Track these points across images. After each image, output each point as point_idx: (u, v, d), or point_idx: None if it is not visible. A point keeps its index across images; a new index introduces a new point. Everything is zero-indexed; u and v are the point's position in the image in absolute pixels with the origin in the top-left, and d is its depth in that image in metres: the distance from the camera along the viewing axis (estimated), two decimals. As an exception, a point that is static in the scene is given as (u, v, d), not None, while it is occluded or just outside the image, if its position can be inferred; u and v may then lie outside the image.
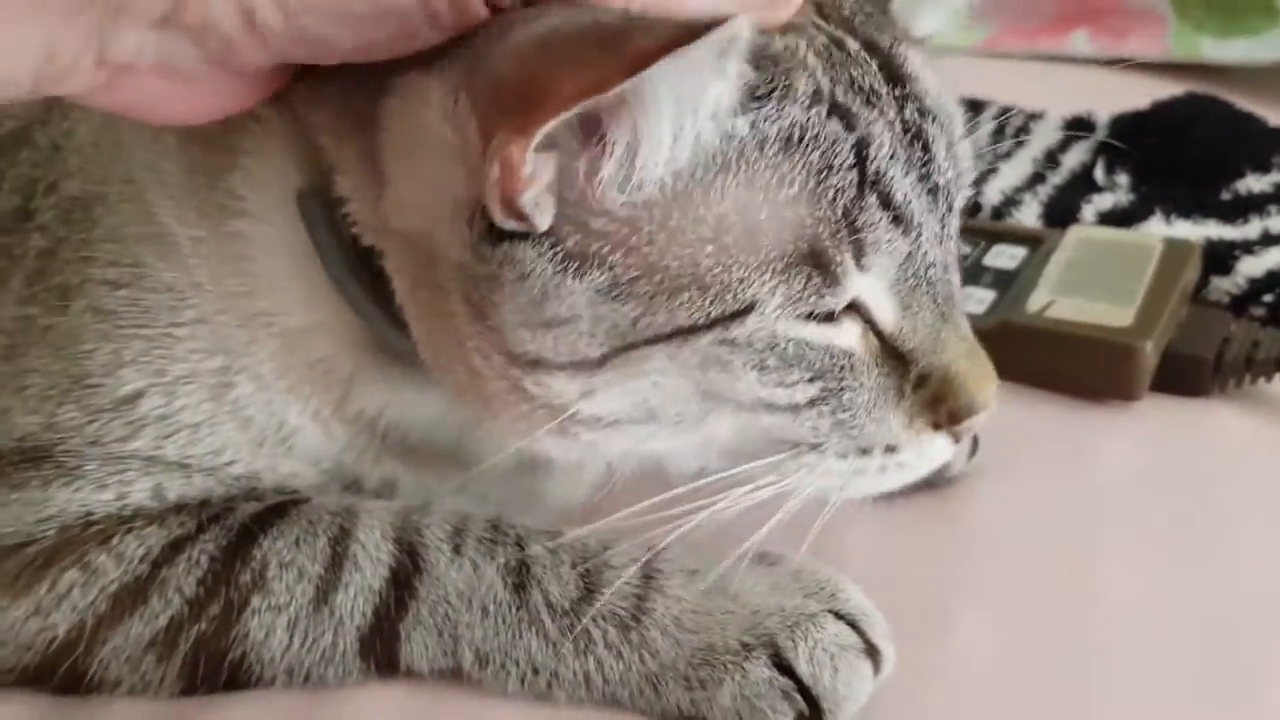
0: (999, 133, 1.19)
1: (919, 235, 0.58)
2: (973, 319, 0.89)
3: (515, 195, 0.53)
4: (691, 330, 0.55)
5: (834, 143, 0.55)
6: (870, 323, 0.59)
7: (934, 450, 0.62)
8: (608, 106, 0.51)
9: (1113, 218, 1.04)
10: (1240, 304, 0.96)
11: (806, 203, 0.55)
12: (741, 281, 0.54)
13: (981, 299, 0.94)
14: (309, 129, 0.61)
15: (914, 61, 0.62)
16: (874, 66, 0.59)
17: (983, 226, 1.04)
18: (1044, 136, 1.19)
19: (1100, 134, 1.16)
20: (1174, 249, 0.95)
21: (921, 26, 0.66)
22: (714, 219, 0.54)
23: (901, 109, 0.58)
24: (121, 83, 0.54)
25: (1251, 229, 1.01)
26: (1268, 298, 0.95)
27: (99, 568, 0.63)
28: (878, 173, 0.56)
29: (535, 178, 0.52)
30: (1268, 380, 0.87)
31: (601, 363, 0.56)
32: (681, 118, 0.53)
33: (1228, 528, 0.78)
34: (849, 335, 0.58)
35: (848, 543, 0.77)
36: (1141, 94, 1.42)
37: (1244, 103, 1.33)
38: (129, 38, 0.52)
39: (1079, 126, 1.19)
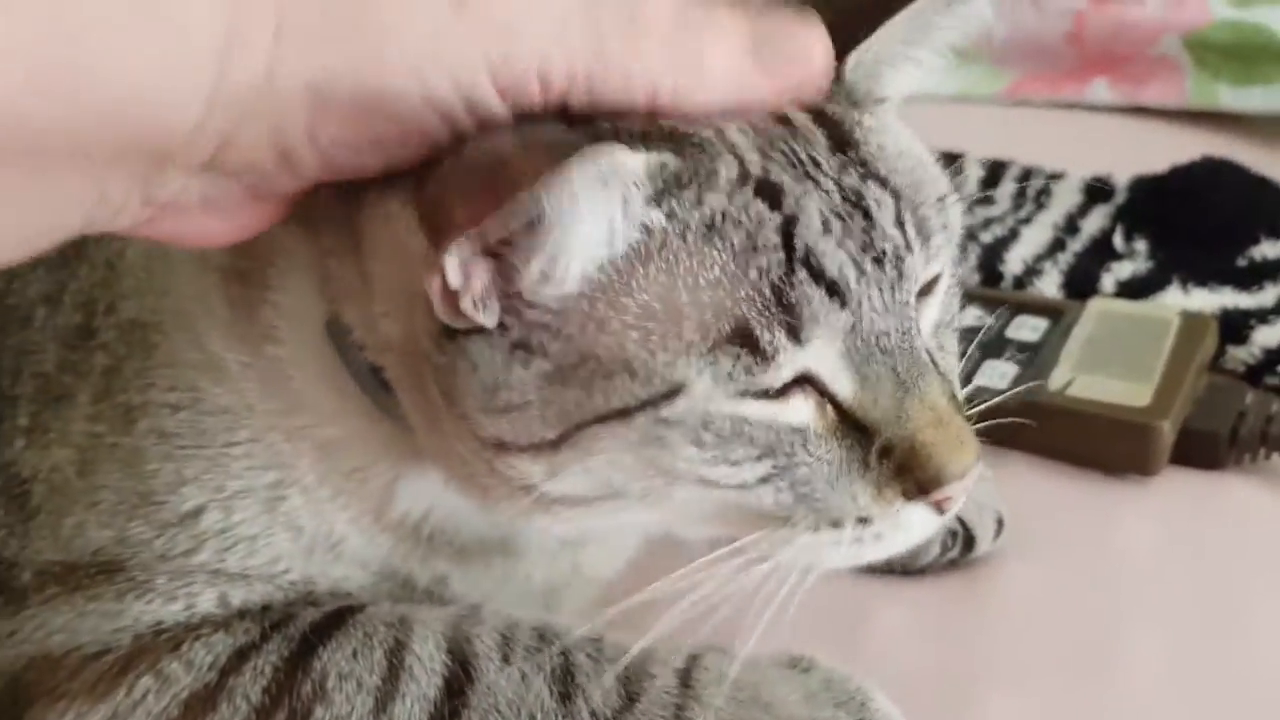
0: (1020, 195, 1.23)
1: (859, 306, 0.57)
2: (996, 394, 0.93)
3: (454, 300, 0.56)
4: (625, 411, 0.56)
5: (759, 223, 0.56)
6: (826, 395, 0.58)
7: (911, 521, 0.60)
8: (495, 232, 0.54)
9: (1131, 287, 1.06)
10: (1256, 373, 0.99)
11: (729, 285, 0.55)
12: (668, 365, 0.55)
13: (1005, 373, 0.97)
14: (323, 253, 0.65)
15: (866, 124, 0.61)
16: (820, 135, 0.59)
17: (1005, 296, 1.07)
18: (1064, 199, 1.22)
19: (1119, 198, 1.18)
20: (1191, 323, 0.98)
21: (892, 86, 0.65)
22: (638, 306, 0.55)
23: (841, 177, 0.58)
24: (163, 217, 0.57)
25: (1267, 296, 1.04)
26: (1283, 367, 0.98)
27: (171, 675, 0.66)
28: (807, 248, 0.56)
29: (469, 285, 0.56)
30: (1282, 455, 0.90)
31: (557, 444, 0.58)
32: (578, 229, 0.54)
33: (1246, 603, 0.81)
34: (799, 411, 0.58)
35: (877, 625, 0.81)
36: (1161, 141, 1.45)
37: (1261, 151, 1.37)
38: (174, 180, 0.55)
39: (1098, 189, 1.22)
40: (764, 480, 0.58)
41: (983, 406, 0.69)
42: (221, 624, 0.68)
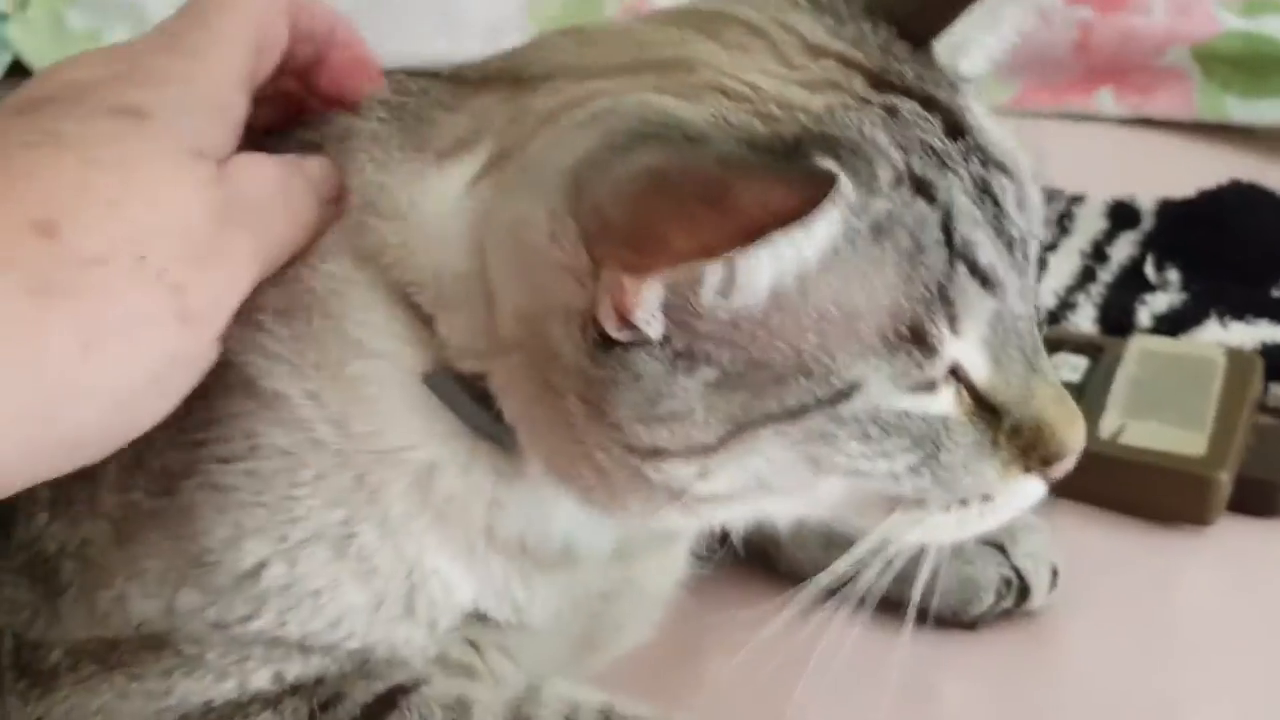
0: (1041, 219, 1.20)
1: (1004, 291, 0.58)
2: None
3: (628, 315, 0.55)
4: (798, 411, 0.56)
5: (921, 221, 0.56)
6: (964, 382, 0.59)
7: (1026, 492, 0.63)
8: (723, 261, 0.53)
9: (1168, 321, 1.04)
10: (1302, 412, 0.97)
11: (902, 285, 0.56)
12: (845, 366, 0.56)
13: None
14: (398, 285, 0.62)
15: (974, 111, 0.62)
16: (936, 124, 0.59)
17: (1042, 334, 1.04)
18: (1088, 224, 1.20)
19: (1146, 224, 1.16)
20: (1237, 362, 0.96)
21: (968, 70, 0.65)
22: (813, 313, 0.55)
23: (968, 165, 0.59)
24: None
25: (1307, 329, 1.02)
26: (1331, 406, 0.96)
27: None
28: (963, 240, 0.57)
29: (646, 300, 0.54)
30: (1340, 502, 0.88)
31: (716, 446, 0.57)
32: (784, 252, 0.54)
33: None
34: (945, 400, 0.59)
35: (941, 699, 0.78)
36: (1169, 154, 1.44)
37: (1270, 165, 1.35)
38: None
39: (1122, 213, 1.19)
40: (912, 469, 0.59)
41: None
42: (272, 701, 0.64)
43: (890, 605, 0.78)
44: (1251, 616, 0.83)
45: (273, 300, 0.63)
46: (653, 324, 0.55)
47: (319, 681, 0.65)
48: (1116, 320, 1.05)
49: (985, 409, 0.60)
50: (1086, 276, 1.12)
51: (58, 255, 0.49)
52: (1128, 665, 0.79)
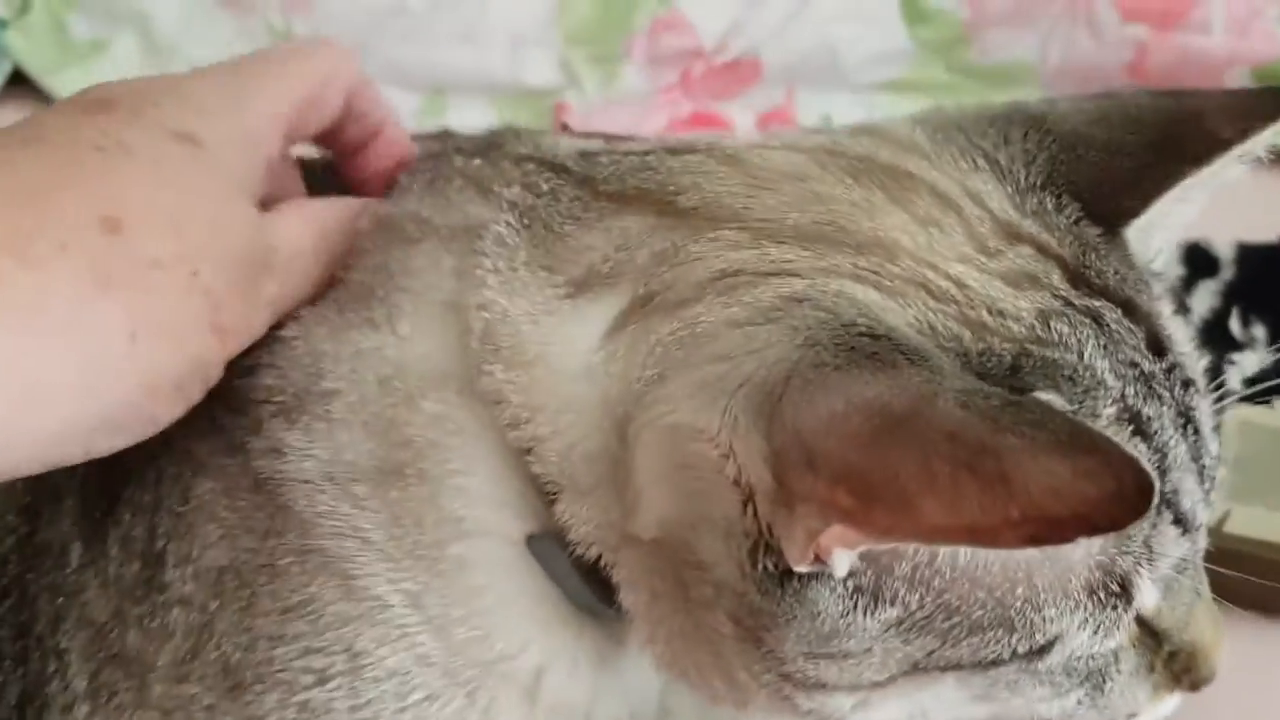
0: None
1: (1199, 534, 0.55)
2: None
3: (824, 557, 0.47)
4: (994, 664, 0.51)
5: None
6: (1136, 613, 0.55)
7: (1165, 709, 0.61)
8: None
9: (1260, 382, 0.98)
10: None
11: (1114, 538, 0.51)
12: (1051, 620, 0.51)
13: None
14: (515, 447, 0.54)
15: (1171, 322, 0.57)
16: (1140, 339, 0.54)
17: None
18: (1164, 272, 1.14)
19: (1226, 273, 1.11)
20: (1342, 435, 0.90)
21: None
22: (1024, 563, 0.49)
23: (1172, 390, 0.54)
24: None
25: (1405, 391, 0.97)
26: None
27: None
28: (1172, 488, 0.52)
29: (853, 548, 0.47)
30: None
31: (886, 684, 0.52)
32: None
33: None
34: (1121, 634, 0.55)
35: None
36: (1235, 187, 1.38)
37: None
38: None
39: (1199, 257, 1.13)
40: (1079, 703, 0.56)
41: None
42: None
43: None
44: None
45: (368, 452, 0.56)
46: (843, 563, 0.48)
47: None
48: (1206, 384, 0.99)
49: (1148, 634, 0.57)
50: (1169, 333, 1.06)
51: (121, 251, 0.52)
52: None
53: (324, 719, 0.56)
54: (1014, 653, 0.51)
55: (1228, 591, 0.83)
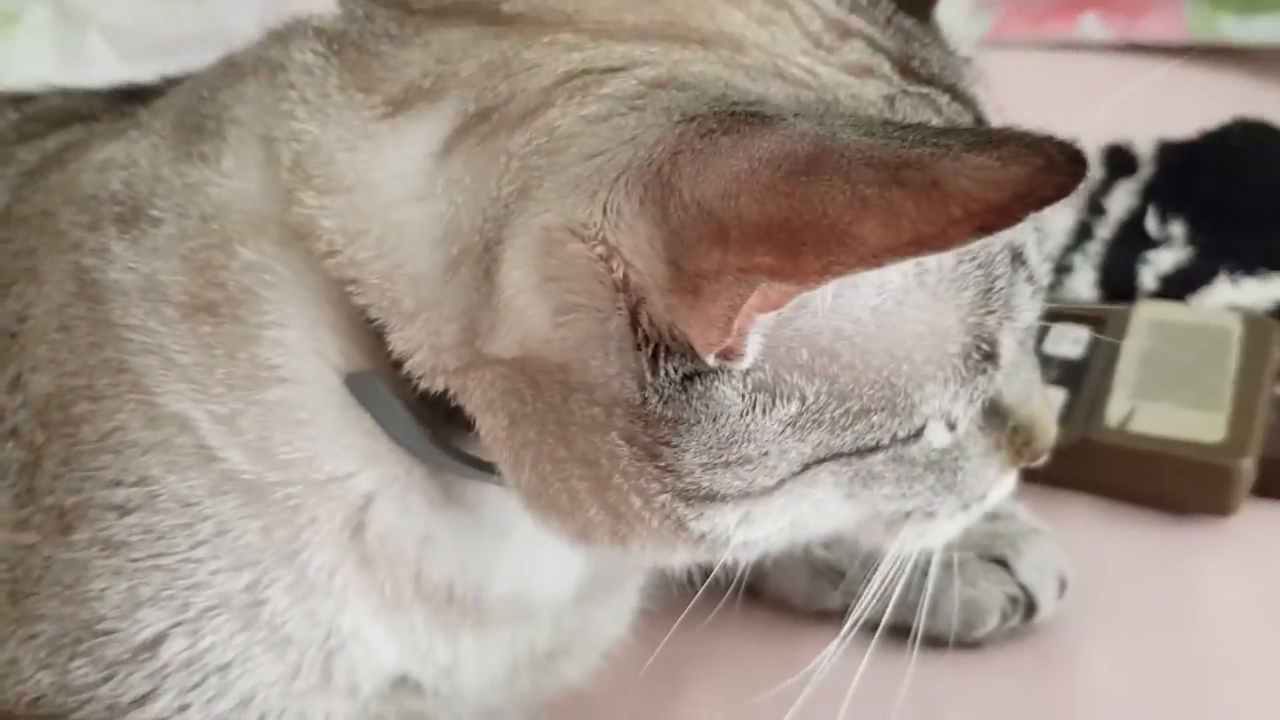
0: (1032, 169, 1.12)
1: (1043, 291, 0.55)
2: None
3: (744, 335, 0.46)
4: (873, 449, 0.52)
5: None
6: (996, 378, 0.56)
7: (1006, 486, 0.62)
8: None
9: (1175, 281, 0.97)
10: (1321, 376, 0.90)
11: (981, 298, 0.52)
12: (931, 398, 0.52)
13: (1052, 401, 0.87)
14: (344, 264, 0.53)
15: (983, 98, 0.57)
16: (969, 120, 0.54)
17: (1038, 303, 0.97)
18: (1082, 173, 1.12)
19: (1145, 171, 1.08)
20: (1254, 329, 0.89)
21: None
22: (909, 337, 0.50)
23: None
24: None
25: (1325, 282, 0.95)
26: (1354, 369, 0.88)
27: None
28: (1021, 243, 0.53)
29: (761, 326, 0.47)
30: (1371, 481, 0.81)
31: (773, 490, 0.52)
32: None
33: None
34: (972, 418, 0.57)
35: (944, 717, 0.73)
36: (1159, 79, 1.35)
37: (1266, 89, 1.27)
38: None
39: (1118, 159, 1.11)
40: (934, 491, 0.57)
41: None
42: None
43: (892, 632, 0.73)
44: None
45: (180, 286, 0.55)
46: (754, 347, 0.48)
47: None
48: (1118, 283, 0.98)
49: (994, 411, 0.58)
50: (1083, 234, 1.04)
51: None
52: (1148, 679, 0.73)
53: (125, 555, 0.56)
54: (893, 437, 0.52)
55: (1137, 492, 0.82)
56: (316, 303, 0.54)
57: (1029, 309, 0.54)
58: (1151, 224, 1.04)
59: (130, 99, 0.68)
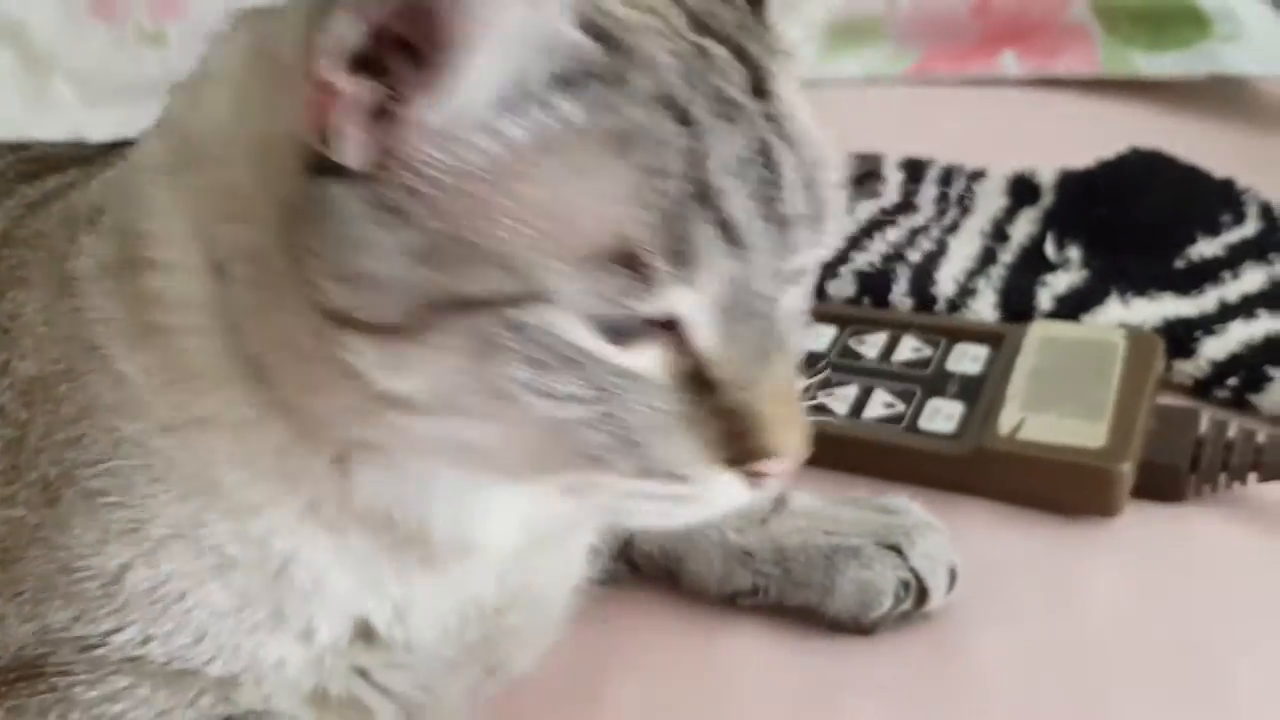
0: (943, 199, 1.18)
1: (750, 259, 0.55)
2: (944, 440, 0.90)
3: (329, 111, 0.52)
4: (484, 304, 0.53)
5: (669, 147, 0.54)
6: (685, 343, 0.56)
7: (725, 490, 0.59)
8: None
9: (1069, 302, 1.03)
10: (1204, 387, 0.96)
11: (628, 203, 0.53)
12: (542, 267, 0.53)
13: (950, 414, 0.93)
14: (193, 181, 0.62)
15: (783, 82, 0.59)
16: (741, 78, 0.57)
17: (941, 324, 1.03)
18: (989, 202, 1.18)
19: (1046, 200, 1.14)
20: (1138, 344, 0.94)
21: (790, 34, 0.63)
22: (529, 200, 0.53)
23: (756, 124, 0.56)
24: None
25: (1208, 301, 1.01)
26: (1232, 381, 0.95)
27: None
28: (713, 185, 0.54)
29: (350, 101, 0.52)
30: (1242, 484, 0.87)
31: (401, 331, 0.54)
32: (485, 52, 0.52)
33: (1226, 643, 0.78)
34: (647, 356, 0.56)
35: (841, 703, 0.77)
36: (1074, 113, 1.42)
37: (1176, 118, 1.33)
38: None
39: (1022, 188, 1.17)
40: (586, 421, 0.56)
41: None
42: None
43: (794, 618, 0.81)
44: (1163, 604, 0.82)
45: (111, 252, 0.63)
46: (352, 144, 0.53)
47: None
48: (1017, 306, 1.03)
49: (700, 380, 0.57)
50: (987, 259, 1.10)
51: None
52: (1038, 666, 0.78)
53: (98, 500, 0.62)
54: (500, 294, 0.53)
55: (1027, 496, 0.88)
56: (191, 221, 0.61)
57: (717, 258, 0.54)
58: (1050, 249, 1.09)
59: (124, 146, 0.75)
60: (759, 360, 0.57)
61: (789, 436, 0.58)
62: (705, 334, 0.56)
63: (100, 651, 0.62)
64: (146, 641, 0.62)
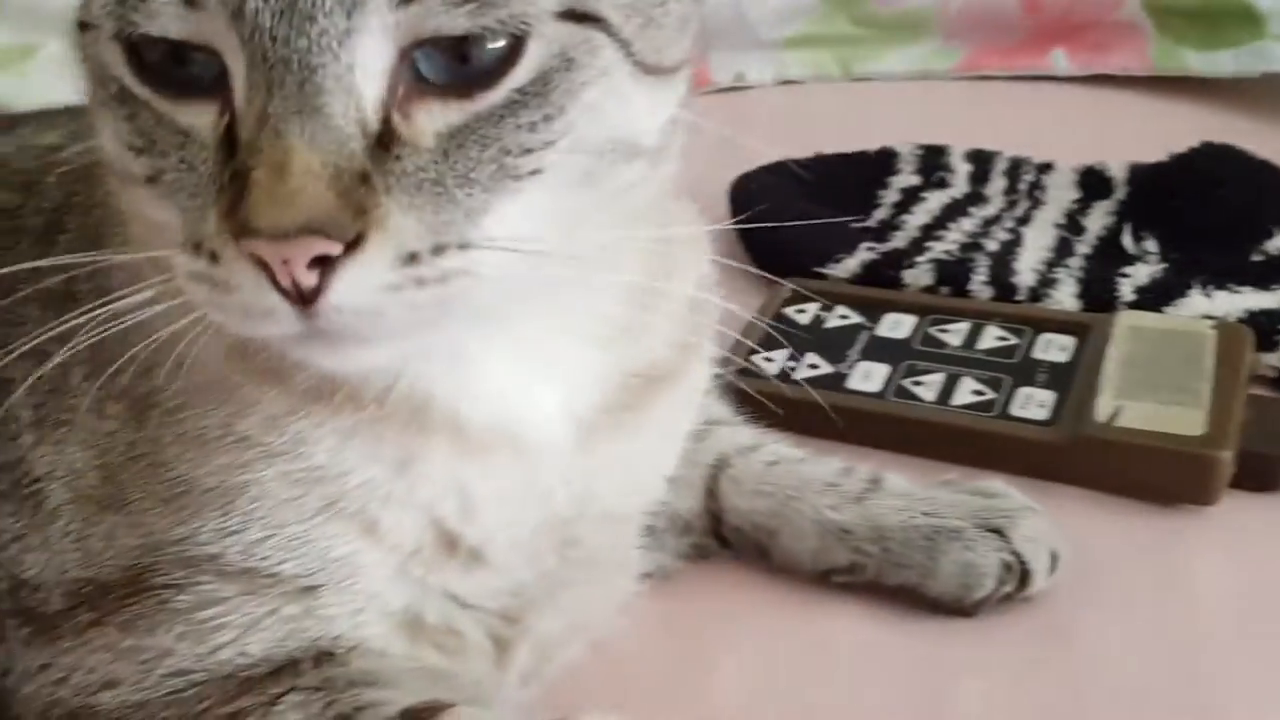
0: (1011, 189, 1.19)
1: (254, 32, 0.50)
2: (1039, 426, 0.90)
3: None
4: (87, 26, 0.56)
5: None
6: (229, 97, 0.52)
7: (243, 274, 0.51)
8: None
9: (1152, 293, 1.03)
10: (1289, 379, 0.96)
11: None
12: None
13: (1042, 401, 0.93)
14: None
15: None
16: None
17: (1025, 313, 1.03)
18: (1060, 195, 1.18)
19: (1119, 193, 1.15)
20: (1227, 335, 0.95)
21: None
22: None
23: None
24: None
25: (1289, 293, 1.01)
26: (1317, 372, 0.95)
27: None
28: None
29: None
30: (1337, 473, 0.87)
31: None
32: None
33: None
34: (192, 112, 0.54)
35: (950, 685, 0.77)
36: (1123, 110, 1.43)
37: (1224, 116, 1.34)
38: None
39: (1093, 181, 1.18)
40: (150, 180, 0.55)
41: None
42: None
43: (894, 600, 0.81)
44: (1262, 593, 0.82)
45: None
46: None
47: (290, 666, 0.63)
48: (1099, 296, 1.03)
49: (232, 142, 0.52)
50: (1064, 250, 1.10)
51: None
52: (1143, 652, 0.78)
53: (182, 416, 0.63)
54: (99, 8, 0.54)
55: (1125, 484, 0.88)
56: None
57: None
58: (1127, 241, 1.10)
59: None
60: (272, 121, 0.51)
61: (271, 208, 0.50)
62: (239, 85, 0.52)
63: (190, 553, 0.62)
64: (252, 551, 0.62)
